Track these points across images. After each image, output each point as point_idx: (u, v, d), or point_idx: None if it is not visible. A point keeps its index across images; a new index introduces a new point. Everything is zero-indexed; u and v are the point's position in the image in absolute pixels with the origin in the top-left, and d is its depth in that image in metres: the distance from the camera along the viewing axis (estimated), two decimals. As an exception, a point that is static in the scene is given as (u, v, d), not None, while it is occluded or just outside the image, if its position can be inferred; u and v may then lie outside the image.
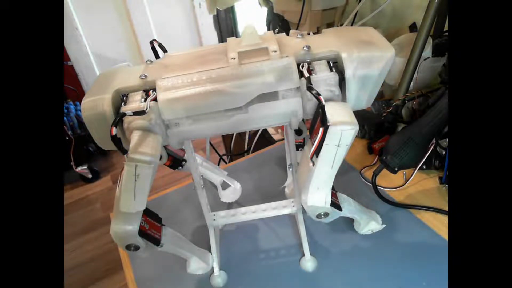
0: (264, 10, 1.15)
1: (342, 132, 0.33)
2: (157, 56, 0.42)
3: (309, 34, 0.40)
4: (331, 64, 0.36)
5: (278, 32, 0.43)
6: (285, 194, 0.63)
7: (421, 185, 0.60)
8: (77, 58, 2.09)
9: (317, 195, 0.39)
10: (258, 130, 1.00)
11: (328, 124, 0.32)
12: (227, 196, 0.64)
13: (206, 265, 0.50)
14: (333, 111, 0.33)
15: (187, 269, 0.51)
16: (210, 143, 0.89)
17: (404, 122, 0.68)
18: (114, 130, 0.32)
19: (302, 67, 0.36)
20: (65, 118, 1.81)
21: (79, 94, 2.09)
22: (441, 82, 0.66)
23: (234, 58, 0.36)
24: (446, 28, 0.78)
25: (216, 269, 0.51)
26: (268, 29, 1.15)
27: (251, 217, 0.55)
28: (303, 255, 0.51)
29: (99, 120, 0.35)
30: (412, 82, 0.72)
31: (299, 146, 0.51)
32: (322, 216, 0.42)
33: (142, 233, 0.38)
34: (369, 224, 0.51)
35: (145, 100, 0.35)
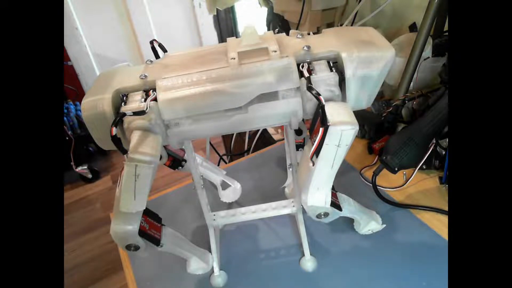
0: (264, 10, 1.15)
1: (342, 132, 0.33)
2: (157, 56, 0.42)
3: (309, 34, 0.40)
4: (331, 64, 0.36)
5: (278, 32, 0.43)
6: (285, 194, 0.63)
7: (421, 185, 0.60)
8: (77, 58, 2.09)
9: (317, 195, 0.39)
10: (258, 130, 1.00)
11: (328, 124, 0.32)
12: (227, 196, 0.64)
13: (206, 265, 0.50)
14: (333, 111, 0.33)
15: (187, 269, 0.51)
16: (210, 143, 0.89)
17: (404, 122, 0.68)
18: (114, 130, 0.32)
19: (302, 67, 0.36)
20: (65, 118, 1.81)
21: (79, 94, 2.09)
22: (441, 82, 0.65)
23: (234, 58, 0.36)
24: (446, 28, 0.78)
25: (216, 269, 0.51)
26: (268, 29, 1.15)
27: (251, 217, 0.55)
28: (303, 255, 0.51)
29: (99, 120, 0.35)
30: (412, 82, 0.72)
31: (299, 146, 0.51)
32: (322, 216, 0.42)
33: (142, 233, 0.38)
34: (369, 224, 0.51)
35: (145, 100, 0.35)
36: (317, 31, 0.46)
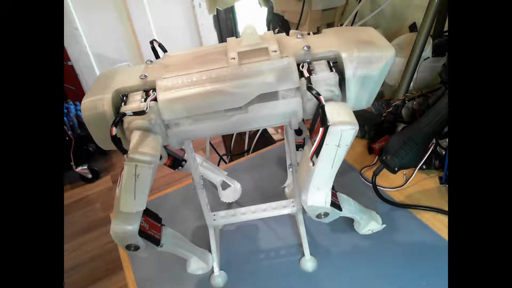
0: (264, 10, 1.15)
1: (342, 132, 0.33)
2: (157, 56, 0.42)
3: (309, 34, 0.40)
4: (331, 64, 0.36)
5: (278, 32, 0.43)
6: (285, 194, 0.63)
7: (421, 185, 0.60)
8: (77, 58, 2.09)
9: (317, 195, 0.39)
10: (258, 130, 1.00)
11: (328, 124, 0.32)
12: (227, 196, 0.64)
13: (206, 265, 0.50)
14: (333, 111, 0.33)
15: (187, 269, 0.51)
16: (210, 143, 0.89)
17: (404, 122, 0.68)
18: (114, 130, 0.32)
19: (302, 67, 0.36)
20: (65, 118, 1.81)
21: (79, 94, 2.09)
22: (441, 82, 0.65)
23: (234, 58, 0.36)
24: (446, 28, 0.78)
25: (216, 269, 0.51)
26: (268, 29, 1.14)
27: (251, 217, 0.55)
28: (303, 255, 0.51)
29: (99, 120, 0.35)
30: (412, 82, 0.72)
31: (299, 146, 0.51)
32: (322, 216, 0.42)
33: (142, 233, 0.38)
34: (369, 224, 0.51)
35: (145, 100, 0.35)
36: (317, 31, 0.46)
